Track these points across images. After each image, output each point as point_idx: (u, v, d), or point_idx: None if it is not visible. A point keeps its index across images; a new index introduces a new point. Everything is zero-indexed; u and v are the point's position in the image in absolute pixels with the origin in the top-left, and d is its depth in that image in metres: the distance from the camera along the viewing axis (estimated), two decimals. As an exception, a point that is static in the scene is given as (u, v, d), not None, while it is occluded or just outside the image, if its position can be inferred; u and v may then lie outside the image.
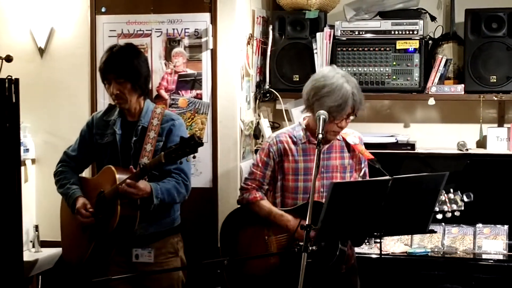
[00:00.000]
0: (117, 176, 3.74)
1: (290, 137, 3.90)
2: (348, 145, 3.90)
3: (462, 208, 3.84)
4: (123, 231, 3.76)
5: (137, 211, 3.74)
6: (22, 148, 4.39)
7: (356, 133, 3.97)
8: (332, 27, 5.00)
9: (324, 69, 3.90)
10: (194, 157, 3.56)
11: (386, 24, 4.94)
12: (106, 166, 3.86)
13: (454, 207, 3.82)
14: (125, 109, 3.91)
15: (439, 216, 3.83)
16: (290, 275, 3.17)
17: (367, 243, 4.53)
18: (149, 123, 3.88)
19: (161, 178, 3.84)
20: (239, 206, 4.05)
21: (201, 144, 3.54)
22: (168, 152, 3.57)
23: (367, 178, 3.94)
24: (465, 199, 3.86)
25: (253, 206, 3.91)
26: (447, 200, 3.82)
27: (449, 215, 3.83)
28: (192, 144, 3.52)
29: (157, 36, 4.85)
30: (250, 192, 3.92)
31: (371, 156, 3.84)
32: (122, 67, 3.80)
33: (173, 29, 4.83)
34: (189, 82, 4.82)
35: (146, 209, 3.75)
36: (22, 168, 4.68)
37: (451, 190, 3.86)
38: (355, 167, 3.94)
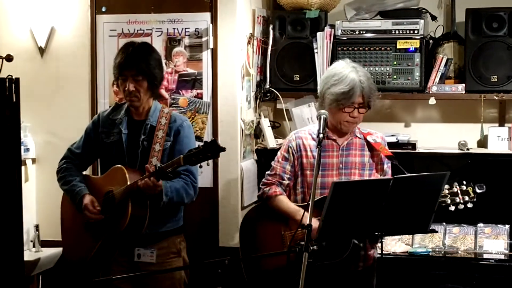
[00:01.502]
0: (128, 176, 3.74)
1: (310, 134, 3.94)
2: (369, 143, 3.92)
3: (475, 199, 3.81)
4: (132, 231, 3.76)
5: (147, 211, 3.74)
6: (22, 148, 4.39)
7: (379, 134, 4.00)
8: (332, 26, 5.00)
9: (336, 62, 3.96)
10: (208, 164, 3.55)
11: (387, 24, 4.94)
12: (116, 166, 3.85)
13: (466, 198, 3.79)
14: (135, 107, 3.90)
15: (452, 208, 3.80)
16: (299, 273, 3.18)
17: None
18: (157, 123, 3.88)
19: (169, 178, 3.82)
20: (259, 201, 4.09)
21: (223, 149, 3.55)
22: (188, 155, 3.56)
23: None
24: (478, 190, 3.83)
25: (271, 201, 3.94)
26: (459, 191, 3.80)
27: (461, 206, 3.80)
28: (214, 148, 3.51)
29: (158, 36, 4.84)
30: (270, 187, 3.95)
31: (390, 153, 3.88)
32: (142, 64, 3.79)
33: (174, 28, 4.83)
34: (190, 82, 4.82)
35: (155, 207, 3.75)
36: (23, 167, 4.68)
37: (464, 182, 3.83)
38: (376, 167, 3.94)
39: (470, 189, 3.82)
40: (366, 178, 3.87)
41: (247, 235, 4.02)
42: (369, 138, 3.93)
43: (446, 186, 3.77)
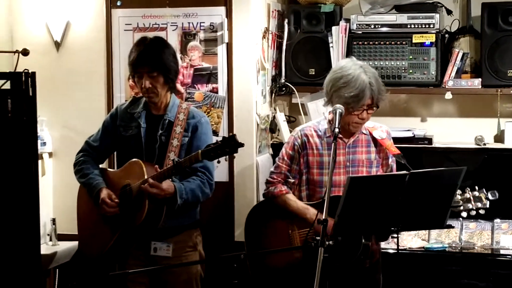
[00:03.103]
0: (146, 170, 3.74)
1: (315, 131, 3.90)
2: (374, 139, 3.89)
3: (487, 206, 3.77)
4: (149, 225, 3.77)
5: (164, 205, 3.75)
6: (39, 142, 4.41)
7: (384, 127, 3.94)
8: (347, 20, 4.98)
9: (342, 61, 3.90)
10: (233, 157, 3.55)
11: (402, 18, 4.92)
12: (133, 160, 3.85)
13: (479, 205, 3.76)
14: (154, 102, 3.90)
15: (464, 214, 3.77)
16: (312, 270, 3.17)
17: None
18: (176, 118, 3.88)
19: (186, 175, 3.84)
20: (263, 199, 4.06)
21: (242, 145, 3.54)
22: (207, 150, 3.56)
23: None
24: (490, 197, 3.78)
25: (278, 200, 3.91)
26: (471, 198, 3.75)
27: (473, 213, 3.77)
28: (232, 144, 3.51)
29: (173, 30, 4.84)
30: (276, 185, 3.92)
31: (397, 151, 3.84)
32: (156, 60, 3.79)
33: (189, 22, 4.82)
34: (205, 76, 4.82)
35: (170, 208, 3.76)
36: (39, 161, 4.67)
37: (476, 188, 3.80)
38: (381, 162, 3.92)
39: (483, 195, 3.77)
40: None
41: (253, 234, 3.98)
42: (375, 134, 3.88)
43: (458, 192, 3.72)
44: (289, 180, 3.91)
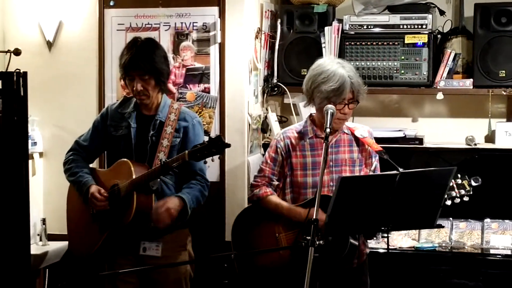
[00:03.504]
0: (134, 170, 3.75)
1: (297, 133, 3.90)
2: (356, 139, 3.90)
3: (471, 192, 3.82)
4: (138, 225, 3.77)
5: (152, 205, 3.75)
6: (30, 142, 4.41)
7: (365, 127, 3.96)
8: (340, 21, 4.99)
9: (319, 60, 3.92)
10: (219, 158, 3.57)
11: (395, 18, 4.93)
12: (121, 160, 3.86)
13: (462, 192, 3.81)
14: (145, 104, 3.90)
15: (448, 203, 3.81)
16: (299, 271, 3.17)
17: (375, 238, 4.52)
18: (166, 118, 3.88)
19: (184, 178, 3.86)
20: (249, 204, 4.06)
21: (228, 145, 3.56)
22: (193, 151, 3.57)
23: (378, 173, 3.93)
24: (473, 183, 3.84)
25: (263, 202, 3.91)
26: (455, 185, 3.80)
27: (457, 200, 3.82)
28: (219, 144, 3.52)
29: (165, 30, 4.84)
30: (260, 188, 3.92)
31: (380, 148, 3.84)
32: (147, 63, 3.79)
33: (181, 22, 4.82)
34: (197, 76, 4.82)
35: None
36: (30, 161, 4.68)
37: (459, 176, 3.84)
38: (365, 161, 3.92)
39: (465, 182, 3.84)
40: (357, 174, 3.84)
41: (240, 238, 3.97)
42: (356, 133, 3.89)
43: None
44: (273, 182, 3.91)
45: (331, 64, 3.78)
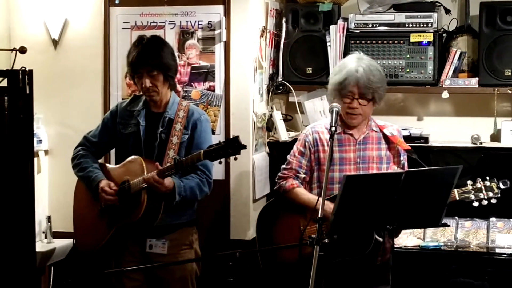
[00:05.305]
0: (146, 167, 3.75)
1: (326, 128, 3.92)
2: (385, 137, 3.91)
3: (499, 195, 3.83)
4: (146, 222, 3.78)
5: (162, 203, 3.75)
6: (35, 139, 4.40)
7: (394, 126, 4.00)
8: (345, 19, 4.98)
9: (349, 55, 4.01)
10: (235, 159, 3.56)
11: (400, 17, 4.92)
12: (134, 157, 3.86)
13: (490, 194, 3.82)
14: (155, 101, 3.91)
15: (476, 204, 3.83)
16: (326, 265, 3.19)
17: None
18: (176, 115, 3.89)
19: (185, 172, 3.84)
20: (272, 198, 4.10)
21: (245, 147, 3.54)
22: (209, 151, 3.56)
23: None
24: (502, 186, 3.84)
25: (289, 194, 3.94)
26: (483, 187, 3.81)
27: (485, 202, 3.83)
28: (235, 146, 3.51)
29: (171, 28, 4.84)
30: (287, 180, 3.95)
31: (408, 147, 3.88)
32: (155, 59, 3.81)
33: (187, 21, 4.83)
34: (202, 74, 4.82)
35: (168, 204, 3.77)
36: (35, 159, 4.69)
37: (487, 178, 3.85)
38: (393, 159, 3.94)
39: (494, 184, 3.83)
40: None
41: (264, 228, 4.01)
42: (385, 131, 3.92)
43: (469, 182, 3.80)
44: (300, 175, 3.92)
45: (349, 59, 3.86)
